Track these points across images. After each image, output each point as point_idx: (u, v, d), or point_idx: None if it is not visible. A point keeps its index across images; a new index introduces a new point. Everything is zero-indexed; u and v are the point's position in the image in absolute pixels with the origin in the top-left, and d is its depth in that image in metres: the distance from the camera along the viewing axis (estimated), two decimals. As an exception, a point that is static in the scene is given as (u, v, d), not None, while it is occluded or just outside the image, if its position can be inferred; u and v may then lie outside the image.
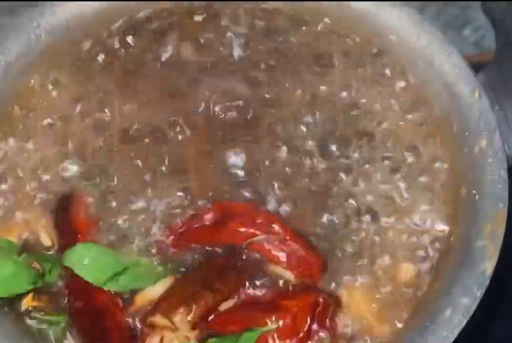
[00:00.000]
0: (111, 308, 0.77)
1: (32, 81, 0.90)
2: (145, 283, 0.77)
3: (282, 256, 0.79)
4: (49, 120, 0.89)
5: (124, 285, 0.76)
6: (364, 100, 0.89)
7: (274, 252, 0.79)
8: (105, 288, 0.76)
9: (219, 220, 0.81)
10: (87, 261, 0.74)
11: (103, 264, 0.75)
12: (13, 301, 0.79)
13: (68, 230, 0.81)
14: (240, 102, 0.88)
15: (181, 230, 0.81)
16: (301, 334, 0.75)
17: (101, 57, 0.92)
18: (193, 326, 0.75)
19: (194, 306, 0.75)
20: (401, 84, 0.90)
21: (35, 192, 0.85)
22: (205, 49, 0.92)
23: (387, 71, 0.90)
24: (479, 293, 0.76)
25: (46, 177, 0.86)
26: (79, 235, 0.80)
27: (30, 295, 0.78)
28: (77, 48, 0.92)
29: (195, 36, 0.92)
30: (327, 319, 0.77)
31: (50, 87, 0.90)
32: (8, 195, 0.85)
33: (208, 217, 0.81)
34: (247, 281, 0.79)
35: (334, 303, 0.78)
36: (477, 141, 0.83)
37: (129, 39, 0.93)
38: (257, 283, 0.79)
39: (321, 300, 0.77)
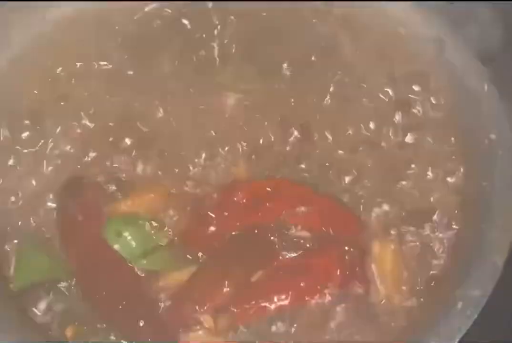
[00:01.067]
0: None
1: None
2: (173, 267, 0.77)
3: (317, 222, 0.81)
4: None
5: (154, 264, 0.76)
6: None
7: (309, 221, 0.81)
8: (136, 265, 0.76)
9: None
10: (126, 234, 0.74)
11: (140, 240, 0.75)
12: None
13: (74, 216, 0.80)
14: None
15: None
16: (334, 288, 0.77)
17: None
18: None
19: (227, 283, 0.76)
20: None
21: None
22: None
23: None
24: (490, 287, 0.75)
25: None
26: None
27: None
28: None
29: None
30: (356, 268, 0.78)
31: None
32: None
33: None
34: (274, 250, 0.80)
35: (360, 252, 0.79)
36: (487, 134, 0.83)
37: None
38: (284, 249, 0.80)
39: (346, 251, 0.78)
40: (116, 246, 0.76)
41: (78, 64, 0.90)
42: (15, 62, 0.89)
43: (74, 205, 0.81)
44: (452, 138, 0.86)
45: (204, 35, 0.91)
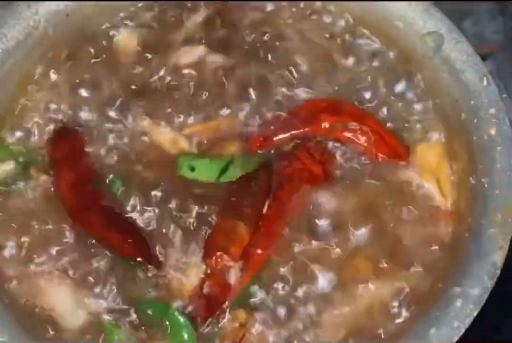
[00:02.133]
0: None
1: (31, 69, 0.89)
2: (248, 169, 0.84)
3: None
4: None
5: (233, 175, 0.84)
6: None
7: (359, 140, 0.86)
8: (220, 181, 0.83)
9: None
10: (196, 167, 0.84)
11: (209, 166, 0.84)
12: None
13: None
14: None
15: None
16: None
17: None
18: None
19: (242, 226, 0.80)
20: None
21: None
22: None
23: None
24: (490, 284, 0.75)
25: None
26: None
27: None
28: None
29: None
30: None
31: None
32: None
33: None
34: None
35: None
36: (486, 129, 0.82)
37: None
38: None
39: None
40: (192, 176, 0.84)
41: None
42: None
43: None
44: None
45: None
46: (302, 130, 0.86)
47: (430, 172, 0.85)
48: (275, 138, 0.86)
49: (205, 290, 0.79)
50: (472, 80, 0.84)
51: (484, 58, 0.87)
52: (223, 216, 0.82)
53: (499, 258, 0.76)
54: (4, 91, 0.87)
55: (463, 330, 0.73)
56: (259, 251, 0.81)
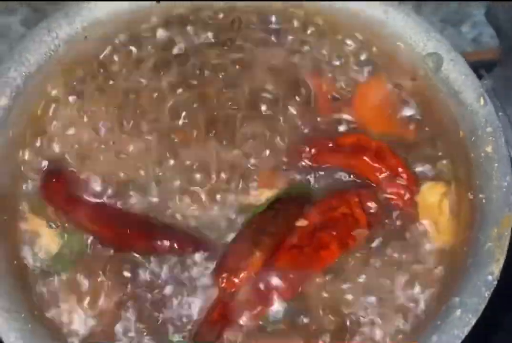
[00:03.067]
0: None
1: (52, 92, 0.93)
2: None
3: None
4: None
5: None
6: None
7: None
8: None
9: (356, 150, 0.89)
10: None
11: None
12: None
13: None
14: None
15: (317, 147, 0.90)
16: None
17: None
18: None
19: (257, 253, 0.83)
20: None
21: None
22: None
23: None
24: (487, 294, 0.80)
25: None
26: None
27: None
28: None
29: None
30: (373, 203, 0.88)
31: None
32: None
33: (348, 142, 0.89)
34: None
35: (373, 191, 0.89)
36: (483, 147, 0.87)
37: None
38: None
39: (363, 193, 0.88)
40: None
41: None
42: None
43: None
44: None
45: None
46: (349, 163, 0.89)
47: (430, 212, 0.89)
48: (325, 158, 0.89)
49: (209, 316, 0.83)
50: (470, 99, 0.89)
51: (480, 76, 0.92)
52: (240, 239, 0.85)
53: (495, 269, 0.81)
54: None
55: (462, 337, 0.78)
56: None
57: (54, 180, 0.89)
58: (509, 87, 0.91)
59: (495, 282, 0.81)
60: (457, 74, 0.90)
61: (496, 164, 0.86)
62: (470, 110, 0.89)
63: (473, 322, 0.79)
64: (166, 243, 0.85)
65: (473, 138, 0.88)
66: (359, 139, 0.90)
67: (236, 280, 0.82)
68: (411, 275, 0.86)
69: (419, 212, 0.89)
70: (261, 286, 0.83)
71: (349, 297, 0.85)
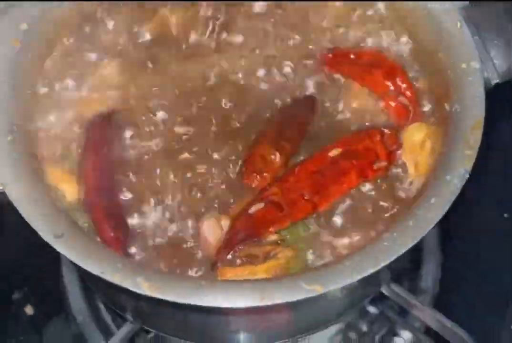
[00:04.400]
0: None
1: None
2: None
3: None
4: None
5: None
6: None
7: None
8: None
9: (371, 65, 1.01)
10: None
11: None
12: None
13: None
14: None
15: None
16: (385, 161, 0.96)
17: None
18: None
19: (278, 156, 0.94)
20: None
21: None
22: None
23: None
24: (459, 185, 0.88)
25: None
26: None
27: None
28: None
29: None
30: (394, 142, 0.97)
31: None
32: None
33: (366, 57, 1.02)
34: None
35: (395, 131, 0.98)
36: (459, 64, 0.97)
37: None
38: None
39: (384, 133, 0.97)
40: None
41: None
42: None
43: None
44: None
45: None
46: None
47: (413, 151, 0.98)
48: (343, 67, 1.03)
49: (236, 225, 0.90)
50: (447, 23, 0.99)
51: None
52: (262, 141, 0.96)
53: (467, 164, 0.89)
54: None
55: (436, 221, 0.87)
56: (306, 197, 0.92)
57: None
58: (485, 14, 1.01)
59: (467, 175, 0.89)
60: (438, 3, 1.01)
61: (470, 78, 0.96)
62: (446, 32, 0.99)
63: (446, 208, 0.87)
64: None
65: (449, 56, 0.98)
66: (376, 56, 1.02)
67: (263, 179, 0.93)
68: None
69: (404, 149, 0.98)
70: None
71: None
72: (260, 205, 0.91)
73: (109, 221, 0.91)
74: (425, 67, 1.02)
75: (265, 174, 0.94)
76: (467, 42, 0.98)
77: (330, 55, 1.03)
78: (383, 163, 0.95)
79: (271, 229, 0.90)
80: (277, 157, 0.94)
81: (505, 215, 1.27)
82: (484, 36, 1.00)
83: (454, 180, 0.89)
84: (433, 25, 1.01)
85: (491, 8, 1.03)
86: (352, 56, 1.02)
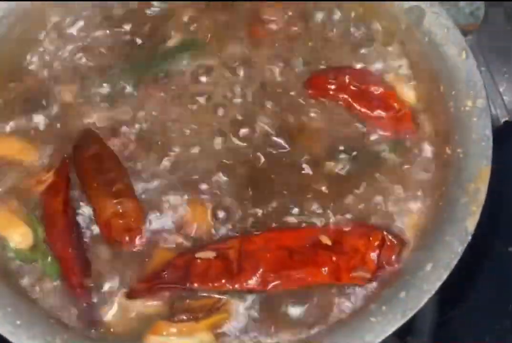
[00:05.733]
0: None
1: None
2: None
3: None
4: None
5: None
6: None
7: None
8: None
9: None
10: None
11: None
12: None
13: None
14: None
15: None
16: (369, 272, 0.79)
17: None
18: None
19: None
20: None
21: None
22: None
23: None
24: (460, 249, 0.77)
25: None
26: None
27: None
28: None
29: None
30: (393, 257, 0.79)
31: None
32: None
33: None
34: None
35: (400, 243, 0.80)
36: (463, 101, 0.84)
37: None
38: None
39: (387, 239, 0.79)
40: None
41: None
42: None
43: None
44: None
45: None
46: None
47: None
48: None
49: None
50: (452, 53, 0.86)
51: (465, 33, 0.89)
52: None
53: (470, 224, 0.77)
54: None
55: (432, 292, 0.75)
56: (260, 271, 0.79)
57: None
58: (492, 43, 0.88)
59: (469, 237, 0.77)
60: (439, 27, 0.87)
61: (475, 119, 0.83)
62: (451, 63, 0.86)
63: (444, 277, 0.75)
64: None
65: (453, 92, 0.85)
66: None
67: None
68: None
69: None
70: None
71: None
72: (211, 255, 0.80)
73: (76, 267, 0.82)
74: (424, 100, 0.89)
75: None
76: (473, 77, 0.84)
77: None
78: (365, 275, 0.79)
79: (210, 285, 0.79)
80: None
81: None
82: (492, 67, 0.87)
83: (455, 242, 0.77)
84: (434, 53, 0.87)
85: (499, 30, 0.90)
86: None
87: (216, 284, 0.78)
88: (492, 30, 0.90)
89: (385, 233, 0.80)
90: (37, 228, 0.83)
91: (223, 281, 0.78)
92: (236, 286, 0.78)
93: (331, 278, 0.78)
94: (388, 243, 0.79)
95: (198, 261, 0.79)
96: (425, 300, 0.74)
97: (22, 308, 0.76)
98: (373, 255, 0.78)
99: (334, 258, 0.78)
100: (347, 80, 0.89)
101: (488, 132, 0.82)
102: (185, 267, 0.79)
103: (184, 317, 0.78)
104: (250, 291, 0.79)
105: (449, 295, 0.89)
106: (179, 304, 0.79)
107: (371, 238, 0.79)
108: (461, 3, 1.37)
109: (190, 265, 0.79)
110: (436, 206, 0.82)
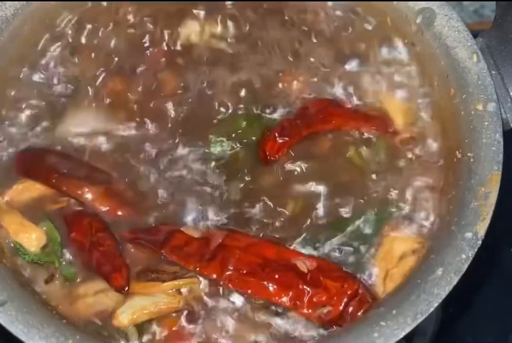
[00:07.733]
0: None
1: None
2: None
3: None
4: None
5: None
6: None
7: None
8: None
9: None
10: None
11: None
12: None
13: None
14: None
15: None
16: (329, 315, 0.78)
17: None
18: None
19: None
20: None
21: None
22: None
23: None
24: (471, 253, 0.76)
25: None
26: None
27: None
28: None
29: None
30: (359, 313, 0.78)
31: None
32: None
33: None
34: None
35: (372, 300, 0.79)
36: (474, 105, 0.84)
37: None
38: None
39: (360, 292, 0.78)
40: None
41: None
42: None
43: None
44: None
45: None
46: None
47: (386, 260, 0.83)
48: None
49: None
50: (462, 56, 0.85)
51: (475, 35, 0.88)
52: None
53: (481, 229, 0.77)
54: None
55: (443, 297, 0.75)
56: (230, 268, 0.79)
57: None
58: (503, 45, 0.87)
59: (480, 242, 0.77)
60: (450, 29, 0.87)
61: (486, 123, 0.83)
62: (462, 66, 0.85)
63: (455, 281, 0.75)
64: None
65: (464, 95, 0.84)
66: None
67: None
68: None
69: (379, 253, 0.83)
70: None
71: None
72: (195, 233, 0.83)
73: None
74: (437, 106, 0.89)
75: None
76: (484, 80, 0.84)
77: None
78: (324, 317, 0.78)
79: (178, 259, 0.81)
80: None
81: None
82: (503, 70, 0.87)
83: (465, 247, 0.77)
84: (444, 56, 0.87)
85: (510, 33, 0.90)
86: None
87: (183, 261, 0.80)
88: (503, 32, 0.89)
89: (360, 285, 0.79)
90: (52, 229, 0.83)
91: (191, 261, 0.80)
92: (201, 270, 0.79)
93: (290, 303, 0.78)
94: (359, 297, 0.78)
95: (181, 234, 0.82)
96: (435, 304, 0.74)
97: (34, 308, 0.76)
98: (343, 301, 0.77)
99: (302, 287, 0.78)
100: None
101: (499, 136, 0.81)
102: (167, 233, 0.82)
103: (152, 276, 0.81)
104: (210, 279, 0.80)
105: (452, 296, 0.89)
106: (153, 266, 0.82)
107: (345, 285, 0.78)
108: (465, 1, 1.39)
109: (173, 235, 0.82)
110: (447, 210, 0.82)
